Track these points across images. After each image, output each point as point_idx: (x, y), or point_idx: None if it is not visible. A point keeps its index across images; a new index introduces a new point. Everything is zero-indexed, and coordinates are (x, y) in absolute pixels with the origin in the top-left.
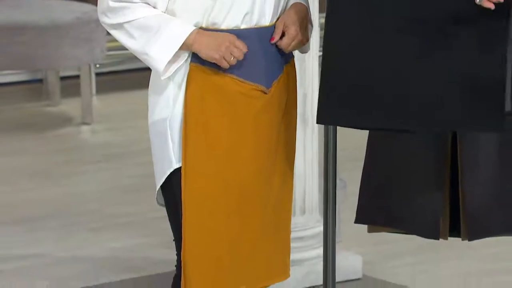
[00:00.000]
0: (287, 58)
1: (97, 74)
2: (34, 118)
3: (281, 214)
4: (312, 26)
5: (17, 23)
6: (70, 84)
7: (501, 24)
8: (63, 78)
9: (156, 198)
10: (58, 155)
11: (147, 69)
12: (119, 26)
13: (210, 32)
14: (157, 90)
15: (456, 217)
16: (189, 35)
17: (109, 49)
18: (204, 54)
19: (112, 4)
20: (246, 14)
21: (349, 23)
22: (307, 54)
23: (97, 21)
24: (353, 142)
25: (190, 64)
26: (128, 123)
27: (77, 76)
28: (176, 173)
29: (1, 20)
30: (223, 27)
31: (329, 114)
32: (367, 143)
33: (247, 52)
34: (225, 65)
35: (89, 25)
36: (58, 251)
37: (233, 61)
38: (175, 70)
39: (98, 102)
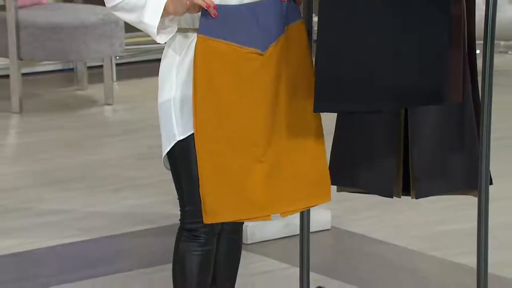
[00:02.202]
0: (287, 21)
1: (117, 64)
2: (67, 100)
3: (297, 149)
4: None
5: (54, 24)
6: (96, 73)
7: (444, 18)
8: (89, 68)
9: (164, 164)
10: (86, 130)
11: (157, 60)
12: (116, 7)
13: None
14: (163, 77)
15: (408, 180)
16: (166, 1)
17: (127, 44)
18: (178, 9)
19: None
20: None
21: (334, 27)
22: None
23: (116, 22)
24: (325, 119)
25: (197, 35)
26: (142, 104)
27: (101, 66)
28: (178, 144)
29: (42, 21)
30: (232, 2)
31: (321, 104)
32: (336, 119)
33: (241, 22)
34: (197, 2)
35: (110, 25)
36: (86, 207)
37: (203, 3)
38: (177, 64)
39: (118, 87)
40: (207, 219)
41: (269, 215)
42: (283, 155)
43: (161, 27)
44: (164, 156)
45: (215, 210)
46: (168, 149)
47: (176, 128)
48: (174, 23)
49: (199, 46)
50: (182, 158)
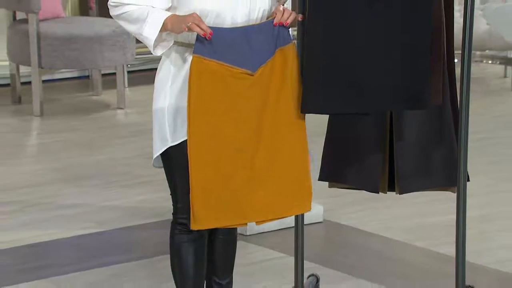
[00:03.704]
0: (278, 44)
1: (129, 72)
2: (83, 104)
3: (282, 161)
4: None
5: (71, 35)
6: (109, 79)
7: (426, 31)
8: (103, 75)
9: (153, 163)
10: (100, 131)
11: None
12: (119, 16)
13: (181, 15)
14: (159, 87)
15: (393, 177)
16: (165, 19)
17: (137, 54)
18: (176, 29)
19: (111, 3)
20: (230, 26)
21: (323, 31)
22: None
23: (128, 33)
24: (317, 120)
25: (193, 55)
26: (151, 108)
27: (114, 73)
28: (171, 148)
29: (60, 33)
30: (226, 25)
31: (310, 106)
32: (328, 120)
33: (233, 44)
34: (194, 30)
35: (122, 36)
36: (100, 202)
37: (200, 31)
38: (172, 75)
39: (129, 93)
40: (194, 226)
41: (246, 223)
42: (268, 167)
43: (159, 39)
44: (155, 158)
45: (202, 219)
46: (161, 151)
47: (169, 134)
48: (171, 36)
49: (194, 65)
50: (175, 161)
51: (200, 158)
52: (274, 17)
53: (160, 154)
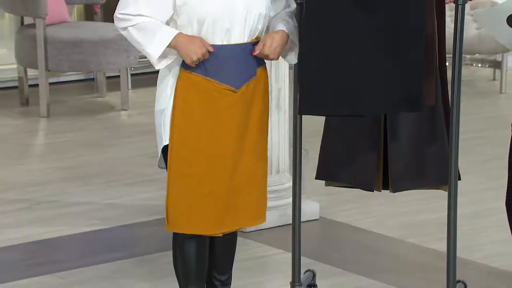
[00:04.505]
0: (259, 64)
1: (132, 75)
2: (88, 105)
3: (254, 176)
4: (297, 45)
5: (77, 39)
6: (113, 82)
7: (419, 36)
8: (108, 77)
9: (158, 163)
10: (104, 132)
11: None
12: (125, 29)
13: (188, 37)
14: (160, 89)
15: (387, 176)
16: (172, 38)
17: (140, 57)
18: (181, 54)
19: (118, 15)
20: (226, 31)
21: (320, 34)
22: (279, 61)
23: None
24: (314, 122)
25: (179, 69)
26: (153, 109)
27: (118, 76)
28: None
29: (67, 37)
30: (216, 42)
31: (306, 107)
32: (324, 122)
33: (222, 61)
34: (192, 65)
35: (126, 40)
36: (104, 200)
37: (196, 61)
38: (171, 77)
39: (133, 95)
40: (168, 228)
41: (220, 233)
42: (242, 182)
43: (162, 55)
44: (159, 157)
45: (176, 222)
46: (160, 152)
47: (164, 134)
48: (173, 52)
49: (181, 79)
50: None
51: (181, 170)
52: (261, 40)
53: (162, 153)
